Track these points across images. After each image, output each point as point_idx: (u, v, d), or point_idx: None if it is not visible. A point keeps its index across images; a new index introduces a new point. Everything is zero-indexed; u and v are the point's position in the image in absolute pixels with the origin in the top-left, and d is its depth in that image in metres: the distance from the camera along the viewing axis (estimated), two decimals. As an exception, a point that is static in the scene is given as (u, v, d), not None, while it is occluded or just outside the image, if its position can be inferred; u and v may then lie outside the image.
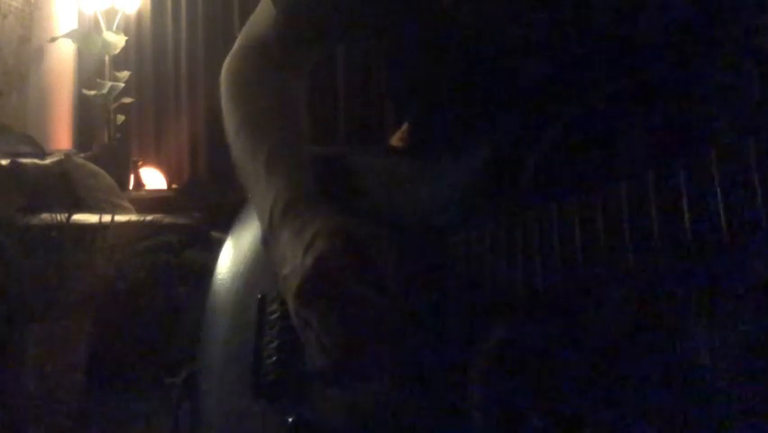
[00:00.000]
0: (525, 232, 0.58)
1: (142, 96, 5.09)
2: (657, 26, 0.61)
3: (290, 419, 0.71)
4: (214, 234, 3.29)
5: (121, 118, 4.83)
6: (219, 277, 0.92)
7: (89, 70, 4.92)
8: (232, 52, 0.93)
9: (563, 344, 0.59)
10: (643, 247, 0.50)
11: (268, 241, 0.76)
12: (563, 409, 0.59)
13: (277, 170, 0.78)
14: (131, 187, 4.64)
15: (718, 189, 0.46)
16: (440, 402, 0.63)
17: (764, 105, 0.56)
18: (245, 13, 4.99)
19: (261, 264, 0.82)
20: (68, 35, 4.70)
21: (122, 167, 4.52)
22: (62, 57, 4.91)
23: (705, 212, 0.47)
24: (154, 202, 4.12)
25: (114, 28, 4.76)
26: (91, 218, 2.89)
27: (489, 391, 0.59)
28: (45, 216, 2.76)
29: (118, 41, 4.74)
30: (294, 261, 0.69)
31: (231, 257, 0.92)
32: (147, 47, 5.14)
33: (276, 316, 0.79)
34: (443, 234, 0.66)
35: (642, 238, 0.50)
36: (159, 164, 5.07)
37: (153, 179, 4.96)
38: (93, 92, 4.67)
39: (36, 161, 3.60)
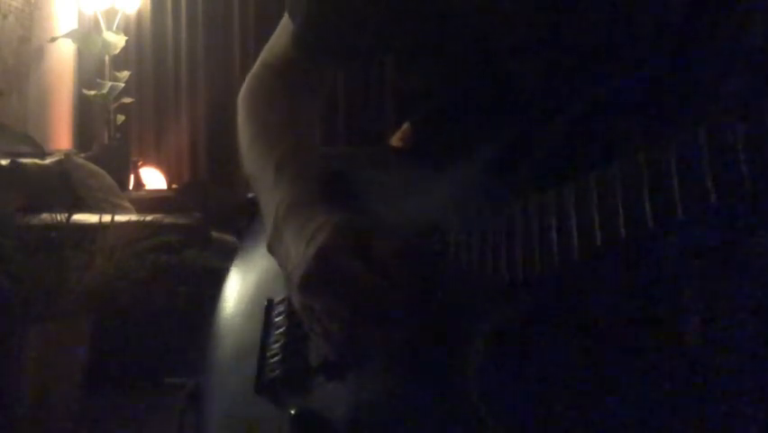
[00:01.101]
0: (524, 219, 0.59)
1: (142, 96, 5.10)
2: (652, 26, 0.62)
3: (292, 412, 0.72)
4: (215, 234, 3.30)
5: (121, 118, 4.84)
6: (230, 287, 0.93)
7: (89, 70, 4.93)
8: (252, 70, 0.95)
9: (560, 327, 0.60)
10: (635, 226, 0.51)
11: (273, 245, 0.77)
12: (561, 391, 0.60)
13: (283, 178, 0.79)
14: (131, 187, 4.64)
15: (707, 167, 0.47)
16: (440, 391, 0.63)
17: (752, 97, 0.57)
18: (245, 13, 5.00)
19: (270, 274, 0.83)
20: (68, 35, 4.71)
21: (122, 167, 4.52)
22: (62, 57, 4.91)
23: (694, 189, 0.48)
24: (154, 202, 4.12)
25: (114, 28, 4.77)
26: (91, 218, 2.89)
27: (489, 378, 0.60)
28: (45, 216, 2.76)
29: (118, 41, 4.75)
30: (297, 256, 0.70)
31: (241, 268, 0.94)
32: (147, 47, 5.15)
33: (281, 317, 0.80)
34: (443, 225, 0.67)
35: (634, 217, 0.51)
36: (159, 164, 5.07)
37: (153, 179, 4.96)
38: (93, 92, 4.68)
39: (36, 161, 3.60)
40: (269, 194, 0.80)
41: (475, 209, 0.65)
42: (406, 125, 0.91)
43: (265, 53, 0.95)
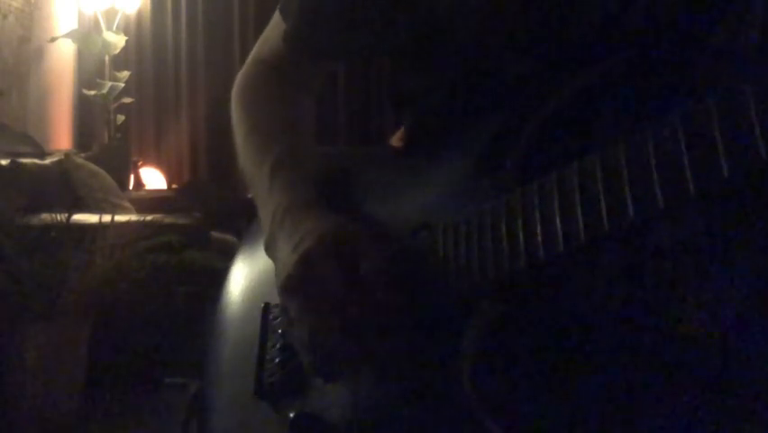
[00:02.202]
0: (508, 213, 0.59)
1: (142, 96, 5.10)
2: (642, 25, 0.63)
3: (291, 415, 0.72)
4: (215, 234, 3.30)
5: (121, 118, 4.83)
6: (229, 291, 0.93)
7: (89, 70, 4.93)
8: (244, 66, 0.95)
9: (550, 326, 0.60)
10: (618, 219, 0.51)
11: (269, 247, 0.77)
12: (556, 388, 0.60)
13: (279, 179, 0.80)
14: (131, 187, 4.64)
15: (685, 154, 0.47)
16: (435, 392, 0.64)
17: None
18: (245, 13, 5.00)
19: (268, 277, 0.84)
20: (68, 35, 4.71)
21: (122, 167, 4.52)
22: (62, 57, 4.91)
23: (673, 178, 0.48)
24: (154, 202, 4.12)
25: (114, 28, 4.76)
26: (91, 218, 2.89)
27: (483, 377, 0.60)
28: (45, 216, 2.76)
29: (118, 41, 4.74)
30: (285, 259, 0.71)
31: (240, 270, 0.94)
32: (147, 47, 5.15)
33: (278, 321, 0.80)
34: (432, 222, 0.68)
35: (616, 209, 0.51)
36: (159, 164, 5.07)
37: (153, 179, 4.96)
38: (93, 92, 4.67)
39: (36, 161, 3.60)
40: (266, 195, 0.80)
41: (462, 205, 0.65)
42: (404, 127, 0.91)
43: (257, 49, 0.95)
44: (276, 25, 0.91)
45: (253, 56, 0.95)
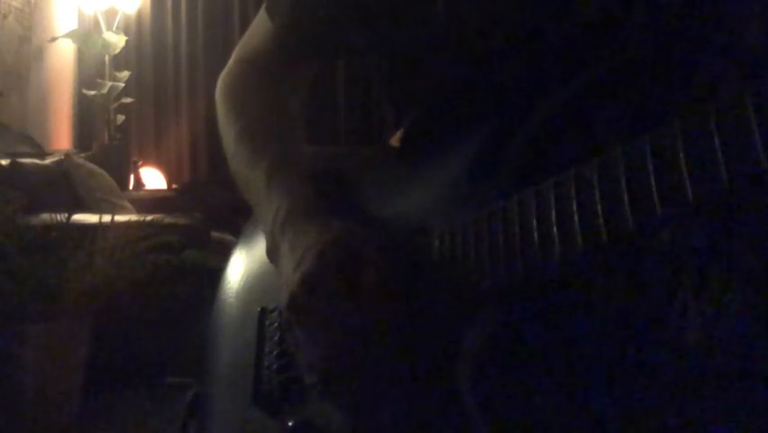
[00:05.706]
0: (505, 219, 0.58)
1: (142, 96, 5.10)
2: (641, 28, 0.62)
3: (290, 423, 0.72)
4: (215, 234, 3.30)
5: (121, 118, 4.83)
6: (226, 293, 0.93)
7: (89, 70, 4.92)
8: (228, 66, 0.93)
9: (550, 332, 0.59)
10: (616, 229, 0.51)
11: (271, 253, 0.77)
12: (555, 395, 0.60)
13: (278, 182, 0.78)
14: (131, 187, 4.64)
15: (684, 161, 0.47)
16: (435, 403, 0.63)
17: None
18: (245, 14, 5.00)
19: (265, 280, 0.83)
20: (68, 35, 4.71)
21: (122, 167, 4.52)
22: (62, 57, 4.91)
23: (672, 187, 0.47)
24: (154, 202, 4.12)
25: (114, 28, 4.76)
26: (91, 218, 2.89)
27: (479, 386, 0.60)
28: (45, 216, 2.76)
29: (118, 41, 4.74)
30: (288, 272, 0.70)
31: (237, 274, 0.93)
32: (147, 47, 5.15)
33: (275, 326, 0.79)
34: (428, 227, 0.67)
35: (614, 219, 0.51)
36: (159, 164, 5.07)
37: (153, 179, 4.96)
38: (93, 92, 4.67)
39: (36, 161, 3.60)
40: (264, 199, 0.79)
41: (459, 209, 0.64)
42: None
43: (241, 49, 0.93)
44: (261, 24, 0.89)
45: (237, 56, 0.93)
